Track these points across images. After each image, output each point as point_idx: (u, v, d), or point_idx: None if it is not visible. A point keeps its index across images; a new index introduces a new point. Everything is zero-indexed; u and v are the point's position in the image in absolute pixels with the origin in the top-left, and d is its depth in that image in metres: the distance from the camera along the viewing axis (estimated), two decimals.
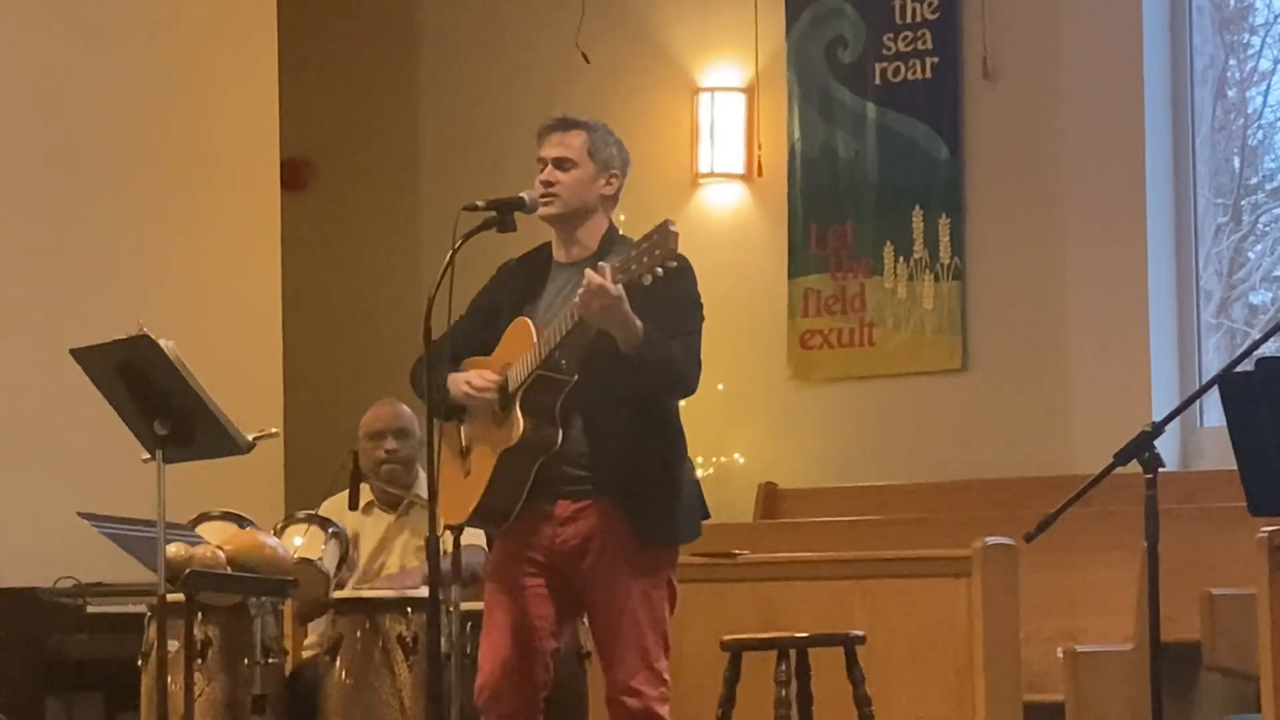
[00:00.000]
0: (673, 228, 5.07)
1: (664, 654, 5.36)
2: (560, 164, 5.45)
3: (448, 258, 5.22)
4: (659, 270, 5.08)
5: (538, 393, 5.31)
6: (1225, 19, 8.68)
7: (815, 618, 6.31)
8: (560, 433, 5.32)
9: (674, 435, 5.45)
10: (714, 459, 8.90)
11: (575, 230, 5.49)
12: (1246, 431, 4.13)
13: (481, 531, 6.12)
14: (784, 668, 5.90)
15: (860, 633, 5.98)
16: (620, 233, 5.53)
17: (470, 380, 5.39)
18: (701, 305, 5.43)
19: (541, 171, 5.48)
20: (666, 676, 5.36)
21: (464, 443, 5.49)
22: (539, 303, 5.47)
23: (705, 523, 5.56)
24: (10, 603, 8.30)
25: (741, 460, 8.97)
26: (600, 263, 5.18)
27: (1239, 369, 4.25)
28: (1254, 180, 8.72)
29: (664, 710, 5.35)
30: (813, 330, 8.98)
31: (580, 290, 5.12)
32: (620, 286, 5.10)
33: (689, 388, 5.40)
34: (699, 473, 8.76)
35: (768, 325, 8.90)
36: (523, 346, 5.34)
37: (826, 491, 8.75)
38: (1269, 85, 8.72)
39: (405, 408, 7.22)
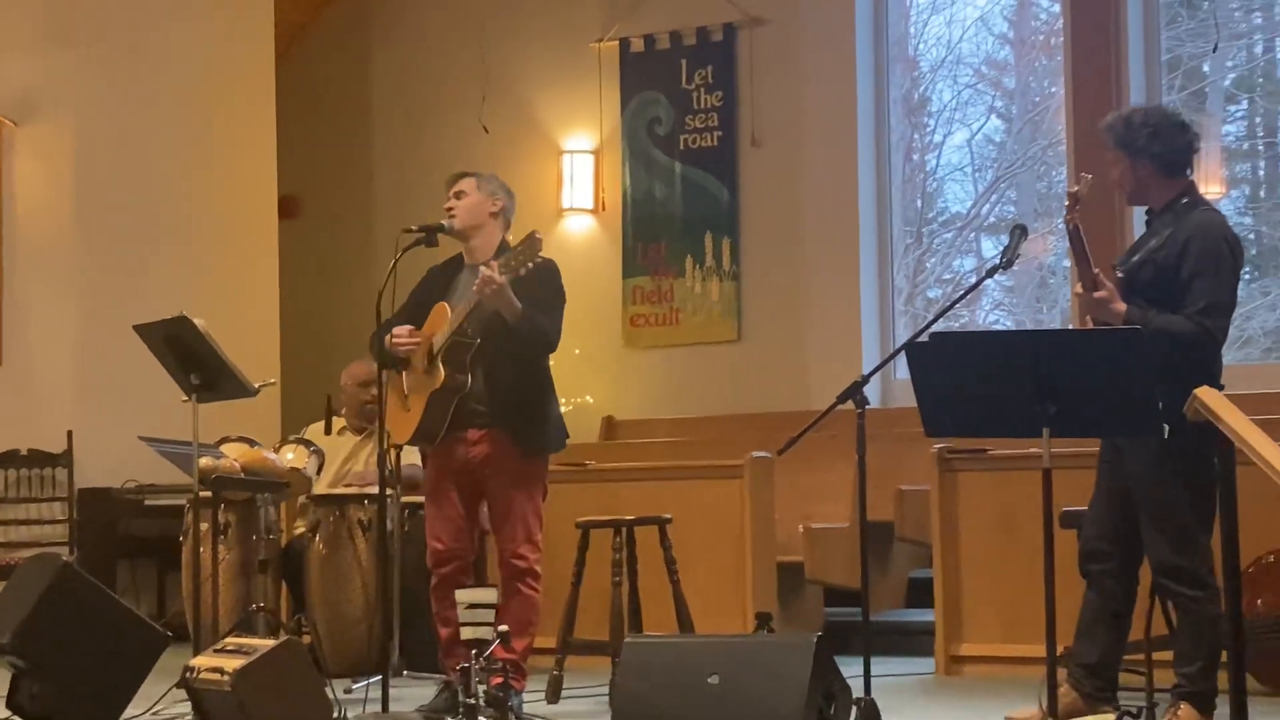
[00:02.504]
0: (538, 235, 5.05)
1: (539, 530, 5.34)
2: (458, 195, 5.44)
3: (392, 264, 5.19)
4: (529, 266, 5.05)
5: (452, 352, 5.26)
6: (911, 107, 8.78)
7: (639, 506, 6.31)
8: (469, 379, 5.28)
9: (544, 381, 5.40)
10: (572, 400, 8.88)
11: (475, 241, 5.42)
12: (923, 381, 4.17)
13: (418, 450, 6.08)
14: (618, 540, 5.91)
15: (669, 516, 5.99)
16: (510, 243, 5.48)
17: (398, 335, 5.33)
18: (564, 293, 5.38)
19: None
20: (540, 546, 5.36)
21: (405, 389, 5.45)
22: (452, 293, 5.41)
23: (567, 441, 5.53)
24: (92, 497, 8.22)
25: (591, 400, 8.98)
26: (491, 260, 5.15)
27: (919, 340, 4.29)
28: (930, 215, 8.85)
29: (539, 568, 5.34)
30: (639, 314, 8.99)
31: (477, 281, 5.10)
32: (504, 278, 5.07)
33: (551, 348, 5.34)
34: (562, 408, 8.86)
35: (609, 310, 8.91)
36: (441, 322, 5.30)
37: (648, 422, 8.77)
38: (940, 152, 8.84)
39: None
